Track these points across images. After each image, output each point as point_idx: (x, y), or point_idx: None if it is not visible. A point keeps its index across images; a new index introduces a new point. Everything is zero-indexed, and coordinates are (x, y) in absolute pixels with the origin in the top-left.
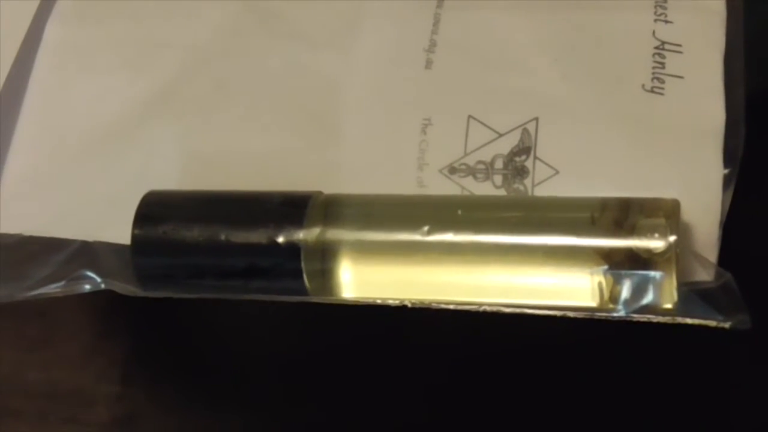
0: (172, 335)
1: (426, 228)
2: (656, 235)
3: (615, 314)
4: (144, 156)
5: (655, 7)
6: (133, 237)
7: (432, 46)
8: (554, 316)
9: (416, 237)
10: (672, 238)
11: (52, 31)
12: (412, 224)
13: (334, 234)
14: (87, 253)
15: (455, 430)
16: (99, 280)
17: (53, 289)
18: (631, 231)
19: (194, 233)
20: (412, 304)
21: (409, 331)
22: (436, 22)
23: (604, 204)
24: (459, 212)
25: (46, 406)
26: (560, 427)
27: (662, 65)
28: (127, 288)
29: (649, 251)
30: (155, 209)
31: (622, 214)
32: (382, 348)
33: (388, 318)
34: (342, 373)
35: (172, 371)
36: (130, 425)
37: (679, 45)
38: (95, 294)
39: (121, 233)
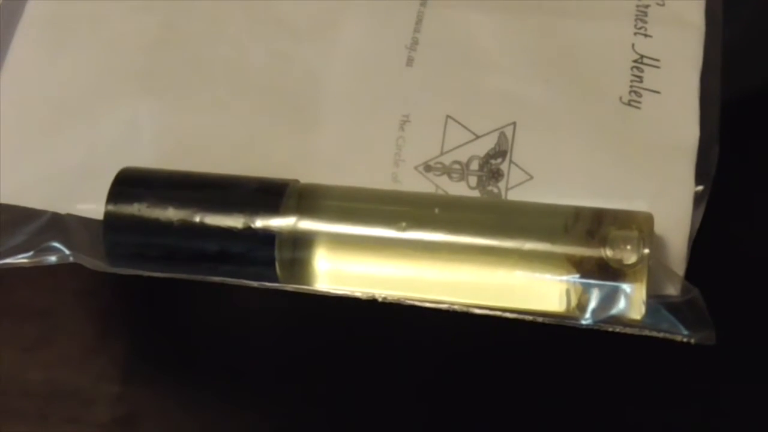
0: (172, 335)
1: (403, 224)
2: (628, 247)
3: (582, 322)
4: (119, 131)
5: (636, 19)
6: (106, 213)
7: (414, 43)
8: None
9: (392, 233)
10: (645, 251)
11: (33, 5)
12: (389, 220)
13: (310, 224)
14: (57, 225)
15: (448, 427)
16: (68, 252)
17: (20, 259)
18: (603, 241)
19: (168, 213)
20: (382, 298)
21: (401, 326)
22: (419, 20)
23: (578, 213)
24: (436, 211)
25: (46, 406)
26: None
27: (640, 79)
28: (95, 263)
29: (620, 262)
30: (130, 186)
31: (595, 224)
32: (379, 345)
33: (383, 314)
34: (342, 372)
35: (172, 371)
36: (130, 425)
37: (658, 60)
38: (95, 293)
39: (93, 207)
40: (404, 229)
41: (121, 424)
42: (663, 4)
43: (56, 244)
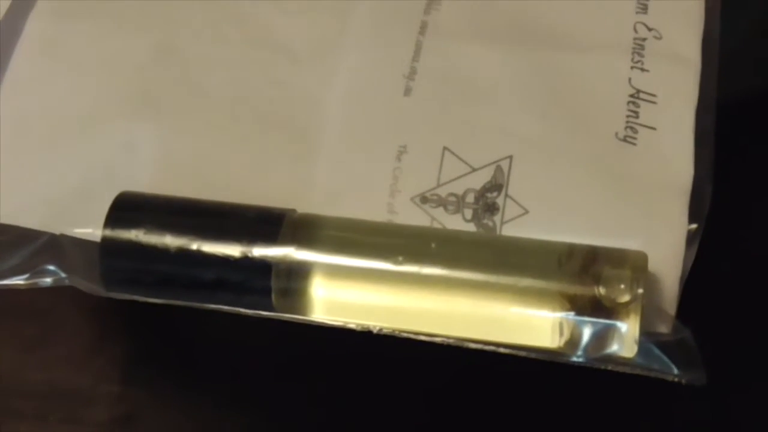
0: (172, 335)
1: (400, 258)
2: (622, 286)
3: (574, 359)
4: (116, 152)
5: (633, 53)
6: (103, 238)
7: (412, 73)
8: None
9: (389, 266)
10: (638, 291)
11: (32, 26)
12: (386, 253)
13: (307, 255)
14: (54, 247)
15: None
16: (64, 275)
17: (16, 281)
18: (597, 279)
19: (166, 240)
20: (377, 330)
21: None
22: (418, 50)
23: (572, 250)
24: (433, 245)
25: (46, 406)
26: None
27: (636, 114)
28: (90, 286)
29: (613, 301)
30: (128, 211)
31: (589, 262)
32: (380, 349)
33: None
34: (341, 373)
35: (172, 371)
36: (130, 425)
37: (654, 95)
38: (95, 294)
39: (89, 230)
40: (401, 263)
41: (121, 424)
42: (660, 38)
43: (52, 267)
